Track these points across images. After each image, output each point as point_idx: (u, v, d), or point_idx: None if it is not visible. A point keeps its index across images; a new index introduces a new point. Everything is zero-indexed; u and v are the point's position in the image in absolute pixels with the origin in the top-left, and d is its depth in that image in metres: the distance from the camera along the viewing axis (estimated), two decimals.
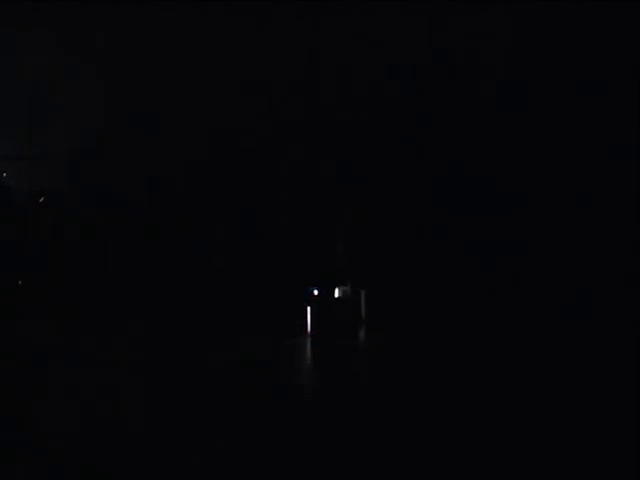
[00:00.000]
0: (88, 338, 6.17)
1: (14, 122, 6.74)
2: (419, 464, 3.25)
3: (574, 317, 6.65)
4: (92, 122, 6.97)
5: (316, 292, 6.50)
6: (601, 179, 6.74)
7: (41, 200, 5.92)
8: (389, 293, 7.16)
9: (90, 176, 7.15)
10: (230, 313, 7.16)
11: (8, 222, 6.90)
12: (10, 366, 5.24)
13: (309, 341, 6.21)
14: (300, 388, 4.71)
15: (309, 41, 6.94)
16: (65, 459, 3.30)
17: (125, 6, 6.31)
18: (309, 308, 6.48)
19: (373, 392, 4.60)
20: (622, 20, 6.45)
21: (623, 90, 6.62)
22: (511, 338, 6.16)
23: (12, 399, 4.36)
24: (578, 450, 3.40)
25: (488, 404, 4.20)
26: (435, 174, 7.35)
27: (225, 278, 7.41)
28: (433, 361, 5.39)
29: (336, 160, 7.38)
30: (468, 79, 7.10)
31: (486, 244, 7.22)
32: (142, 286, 7.21)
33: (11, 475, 3.12)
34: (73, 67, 6.74)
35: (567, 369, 5.01)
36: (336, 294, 6.67)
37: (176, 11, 6.56)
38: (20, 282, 6.95)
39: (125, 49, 6.68)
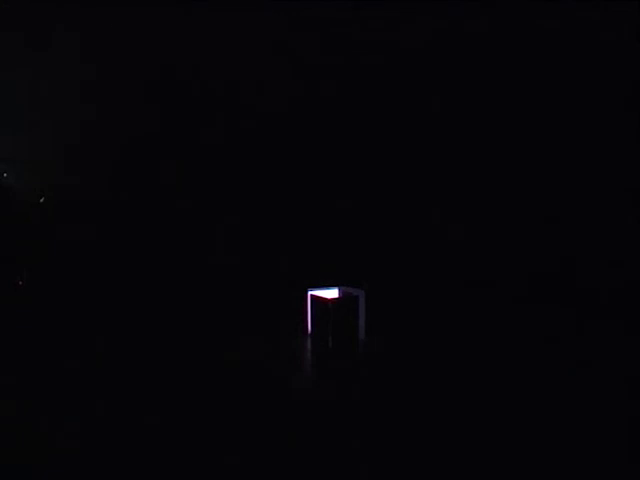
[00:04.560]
0: (87, 337, 6.17)
1: (13, 122, 6.73)
2: (417, 466, 3.26)
3: (573, 319, 6.66)
4: (91, 121, 6.97)
5: (316, 292, 6.49)
6: (598, 179, 6.75)
7: (41, 200, 5.92)
8: (389, 293, 7.17)
9: (90, 176, 7.15)
10: (230, 313, 7.16)
11: (8, 222, 6.90)
12: (10, 365, 5.25)
13: (309, 341, 6.20)
14: (299, 389, 4.72)
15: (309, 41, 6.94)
16: (66, 459, 3.31)
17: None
18: (309, 308, 6.47)
19: (372, 393, 4.60)
20: (620, 20, 6.45)
21: (622, 90, 6.62)
22: (511, 339, 6.16)
23: (12, 399, 4.37)
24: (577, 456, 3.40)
25: (487, 407, 4.21)
26: (434, 174, 7.35)
27: (226, 278, 7.42)
28: (433, 362, 5.40)
29: (336, 159, 7.38)
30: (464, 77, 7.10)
31: (486, 244, 7.22)
32: (143, 286, 7.21)
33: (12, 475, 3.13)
34: (72, 67, 6.74)
35: (566, 373, 5.01)
36: (336, 294, 6.66)
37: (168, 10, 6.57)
38: (20, 282, 6.96)
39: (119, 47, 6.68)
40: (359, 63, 7.10)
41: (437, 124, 7.25)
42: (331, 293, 6.60)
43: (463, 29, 6.99)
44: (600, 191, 6.84)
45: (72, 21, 6.49)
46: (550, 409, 4.08)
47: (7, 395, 4.48)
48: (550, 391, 4.48)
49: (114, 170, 7.12)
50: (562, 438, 3.58)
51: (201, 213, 7.33)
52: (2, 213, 6.86)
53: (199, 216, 7.32)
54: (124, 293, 7.22)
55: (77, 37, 6.54)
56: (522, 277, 7.12)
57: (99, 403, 4.27)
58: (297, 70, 7.06)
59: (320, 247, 7.37)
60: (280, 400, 4.32)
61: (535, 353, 5.57)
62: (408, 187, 7.38)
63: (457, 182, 7.29)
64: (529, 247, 7.10)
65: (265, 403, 4.24)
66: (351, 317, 6.10)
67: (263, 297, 7.42)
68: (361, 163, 7.37)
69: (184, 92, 7.05)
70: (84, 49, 6.63)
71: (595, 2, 6.50)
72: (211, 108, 7.13)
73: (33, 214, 6.97)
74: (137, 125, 7.07)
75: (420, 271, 7.36)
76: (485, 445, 3.50)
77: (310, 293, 6.48)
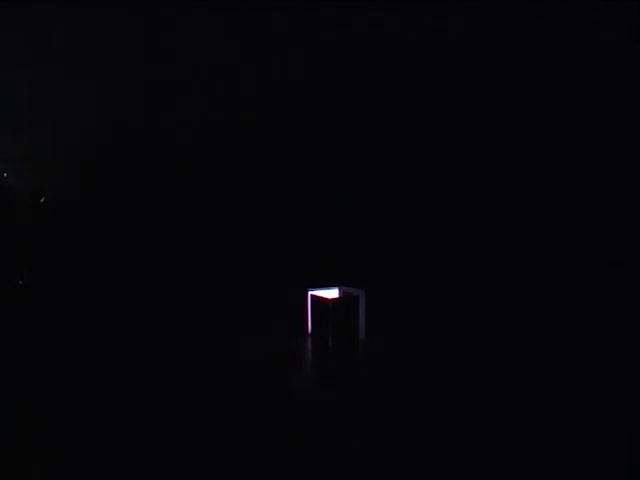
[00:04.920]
0: (88, 336, 6.18)
1: (12, 123, 6.73)
2: (417, 465, 3.26)
3: (574, 322, 6.66)
4: (86, 122, 6.97)
5: (316, 292, 6.49)
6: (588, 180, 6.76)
7: (41, 200, 5.92)
8: (390, 293, 7.16)
9: (88, 175, 7.15)
10: (230, 313, 7.16)
11: (8, 222, 6.90)
12: (10, 365, 5.25)
13: (309, 341, 6.21)
14: (299, 389, 4.71)
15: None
16: (66, 459, 3.31)
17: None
18: (309, 308, 6.48)
19: (372, 393, 4.60)
20: (620, 20, 6.45)
21: (622, 90, 6.61)
22: (510, 340, 6.16)
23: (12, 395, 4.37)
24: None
25: (486, 407, 4.21)
26: (435, 173, 7.34)
27: (226, 278, 7.41)
28: (432, 362, 5.40)
29: (336, 159, 7.38)
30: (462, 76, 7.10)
31: (487, 244, 7.22)
32: (143, 286, 7.21)
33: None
34: (67, 67, 6.74)
35: (565, 374, 5.01)
36: (336, 294, 6.66)
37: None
38: (20, 282, 6.96)
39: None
40: (358, 61, 7.10)
41: (438, 123, 7.24)
42: (331, 293, 6.61)
43: (462, 29, 6.98)
44: (599, 191, 6.83)
45: (72, 21, 6.49)
46: (549, 410, 4.08)
47: (7, 394, 4.48)
48: (549, 392, 4.48)
49: (113, 170, 7.12)
50: (561, 439, 3.58)
51: (201, 213, 7.33)
52: (2, 213, 6.86)
53: (199, 216, 7.32)
54: (124, 293, 7.21)
55: (77, 37, 6.54)
56: (523, 277, 7.12)
57: (100, 402, 4.27)
58: (298, 66, 7.06)
59: (320, 247, 7.37)
60: (280, 400, 4.32)
61: (535, 354, 5.57)
62: (409, 186, 7.38)
63: (458, 182, 7.29)
64: (531, 247, 7.10)
65: (265, 403, 4.24)
66: (351, 317, 6.11)
67: (263, 297, 7.42)
68: (362, 162, 7.37)
69: (184, 92, 7.05)
70: (84, 49, 6.63)
71: (595, 2, 6.49)
72: (210, 105, 7.12)
73: (33, 214, 6.97)
74: (136, 124, 7.07)
75: (420, 271, 7.36)
76: (484, 445, 3.50)
77: (310, 293, 6.49)
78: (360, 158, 7.33)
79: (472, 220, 7.24)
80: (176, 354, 5.62)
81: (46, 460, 3.32)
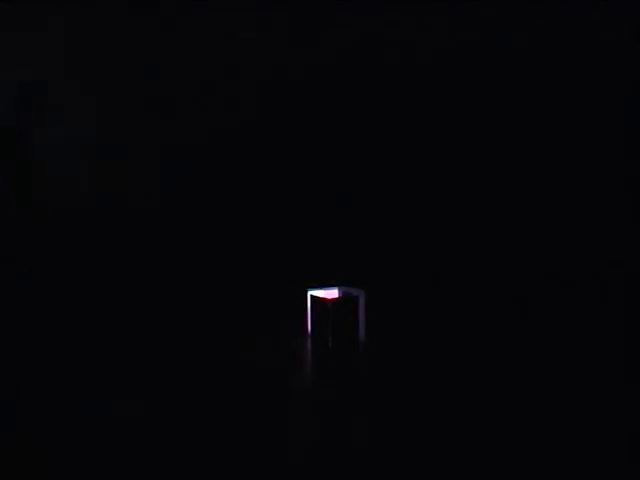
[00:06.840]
0: (88, 337, 6.18)
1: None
2: (418, 466, 3.26)
3: (574, 322, 6.67)
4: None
5: (316, 292, 6.48)
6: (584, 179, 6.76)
7: None
8: (390, 293, 7.17)
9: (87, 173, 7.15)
10: (229, 313, 7.16)
11: (8, 222, 6.90)
12: (10, 365, 5.25)
13: (309, 341, 6.20)
14: (299, 389, 4.72)
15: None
16: (66, 459, 3.31)
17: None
18: (309, 308, 6.47)
19: (372, 394, 4.60)
20: (620, 20, 6.46)
21: (622, 90, 6.62)
22: (513, 340, 6.16)
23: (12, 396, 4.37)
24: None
25: (488, 408, 4.21)
26: (438, 171, 7.35)
27: (225, 278, 7.41)
28: (434, 363, 5.40)
29: (337, 157, 7.38)
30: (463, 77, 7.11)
31: (490, 243, 7.22)
32: (142, 285, 7.21)
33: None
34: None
35: (566, 376, 5.01)
36: (336, 294, 6.66)
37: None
38: (19, 281, 6.96)
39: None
40: (358, 61, 7.11)
41: (438, 123, 7.25)
42: (331, 293, 6.60)
43: (461, 29, 6.99)
44: (598, 191, 6.84)
45: (73, 21, 6.50)
46: (549, 410, 4.08)
47: (7, 395, 4.48)
48: (549, 392, 4.48)
49: (112, 169, 7.12)
50: (561, 439, 3.59)
51: (201, 212, 7.33)
52: (2, 213, 6.87)
53: (198, 215, 7.32)
54: (123, 295, 7.21)
55: (78, 37, 6.55)
56: (523, 277, 7.12)
57: (100, 401, 4.27)
58: (299, 65, 7.08)
59: (320, 247, 7.37)
60: (280, 400, 4.32)
61: (535, 354, 5.57)
62: (409, 186, 7.38)
63: (458, 182, 7.29)
64: (531, 247, 7.10)
65: (265, 403, 4.25)
66: (351, 317, 6.11)
67: (263, 297, 7.42)
68: (362, 162, 7.37)
69: (183, 92, 7.05)
70: (84, 49, 6.64)
71: (595, 2, 6.51)
72: (209, 104, 7.13)
73: (33, 214, 6.98)
74: (135, 123, 7.07)
75: (421, 271, 7.36)
76: (486, 445, 3.50)
77: (310, 293, 6.48)
78: (360, 158, 7.33)
79: (472, 220, 7.25)
80: (175, 354, 5.62)
81: (46, 460, 3.32)
